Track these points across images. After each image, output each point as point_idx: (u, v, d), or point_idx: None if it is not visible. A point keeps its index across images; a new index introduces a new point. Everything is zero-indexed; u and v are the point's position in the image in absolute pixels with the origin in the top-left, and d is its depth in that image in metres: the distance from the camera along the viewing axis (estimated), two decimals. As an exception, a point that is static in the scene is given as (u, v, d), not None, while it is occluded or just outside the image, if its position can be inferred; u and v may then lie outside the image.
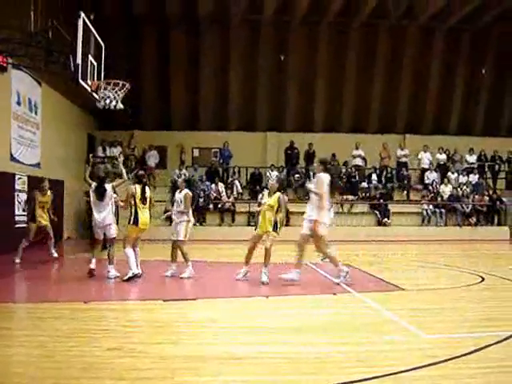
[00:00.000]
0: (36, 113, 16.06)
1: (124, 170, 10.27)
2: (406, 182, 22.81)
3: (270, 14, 20.94)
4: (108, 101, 11.34)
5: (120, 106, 11.55)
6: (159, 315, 6.52)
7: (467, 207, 21.29)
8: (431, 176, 22.59)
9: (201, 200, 20.17)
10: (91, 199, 9.56)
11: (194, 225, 10.80)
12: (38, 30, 11.39)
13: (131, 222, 9.24)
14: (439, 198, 21.62)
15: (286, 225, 9.51)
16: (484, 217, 21.41)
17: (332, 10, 20.73)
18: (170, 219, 9.93)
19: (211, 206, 20.63)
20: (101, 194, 9.40)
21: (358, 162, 23.17)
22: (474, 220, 21.06)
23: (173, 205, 10.13)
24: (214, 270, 11.01)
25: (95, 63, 11.42)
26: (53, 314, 6.30)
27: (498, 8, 20.13)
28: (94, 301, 7.32)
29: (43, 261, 11.88)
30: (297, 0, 20.23)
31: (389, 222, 20.79)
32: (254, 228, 9.44)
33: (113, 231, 9.59)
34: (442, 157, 23.42)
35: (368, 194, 21.96)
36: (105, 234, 9.63)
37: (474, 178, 22.68)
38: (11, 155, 14.38)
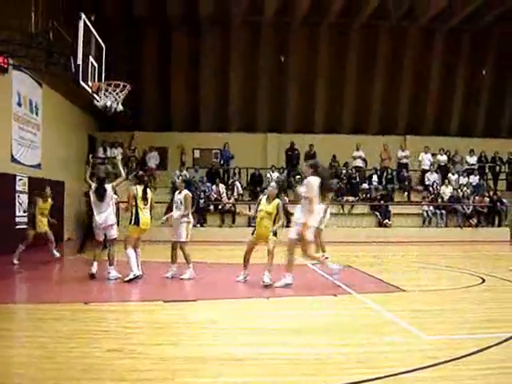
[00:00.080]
0: (37, 114, 16.08)
1: (122, 168, 10.28)
2: (406, 183, 22.80)
3: (270, 15, 20.96)
4: (109, 103, 11.35)
5: (120, 107, 11.55)
6: (159, 316, 6.52)
7: (468, 208, 21.29)
8: (432, 177, 22.60)
9: (201, 201, 20.18)
10: (91, 200, 9.55)
11: (195, 226, 10.80)
12: (38, 31, 11.44)
13: (132, 223, 9.25)
14: (440, 199, 21.61)
15: (287, 226, 9.46)
16: (485, 218, 21.39)
17: (332, 10, 20.75)
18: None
19: (212, 207, 20.63)
20: (101, 194, 9.38)
21: (359, 163, 23.17)
22: (474, 221, 21.05)
23: (171, 206, 10.11)
24: (214, 271, 11.01)
25: (96, 64, 11.44)
26: (53, 315, 6.30)
27: (500, 8, 20.13)
28: (94, 302, 7.31)
29: (43, 262, 11.88)
30: (297, 1, 20.26)
31: (389, 223, 20.78)
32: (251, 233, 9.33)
33: (114, 232, 9.58)
34: (443, 158, 23.42)
35: (368, 195, 21.96)
36: (105, 235, 9.63)
37: (474, 179, 22.68)
38: (12, 156, 14.40)
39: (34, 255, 11.96)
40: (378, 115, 23.92)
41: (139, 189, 9.36)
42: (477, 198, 21.74)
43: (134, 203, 9.23)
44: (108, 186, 9.50)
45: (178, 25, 21.65)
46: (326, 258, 11.73)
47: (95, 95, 11.43)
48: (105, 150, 21.22)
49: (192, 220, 9.98)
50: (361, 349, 4.97)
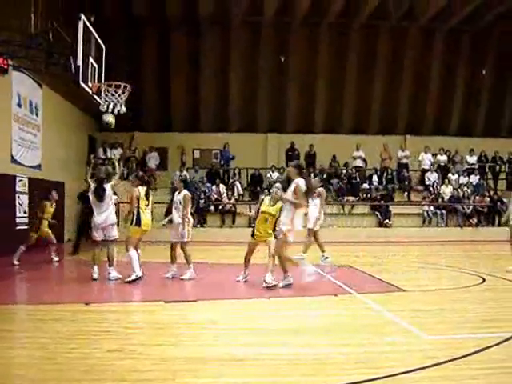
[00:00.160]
0: (37, 115, 16.08)
1: (118, 167, 10.29)
2: (406, 183, 22.80)
3: (270, 16, 20.97)
4: (112, 105, 11.36)
5: (123, 109, 11.56)
6: (160, 317, 6.52)
7: (468, 208, 21.29)
8: (432, 177, 22.60)
9: (201, 201, 20.19)
10: (91, 200, 9.52)
11: (195, 226, 10.78)
12: (38, 31, 11.42)
13: (134, 223, 9.24)
14: (440, 199, 21.61)
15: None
16: (485, 218, 21.40)
17: (332, 11, 20.76)
18: (170, 221, 9.90)
19: (212, 207, 20.63)
20: (100, 194, 9.34)
21: (359, 163, 23.18)
22: (474, 221, 21.05)
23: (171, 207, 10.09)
24: (214, 271, 11.01)
25: (96, 65, 11.43)
26: (54, 316, 6.30)
27: (500, 7, 20.14)
28: (94, 302, 7.32)
29: (44, 262, 11.87)
30: (297, 1, 20.26)
31: (390, 223, 20.77)
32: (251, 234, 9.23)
33: (114, 232, 9.55)
34: (443, 158, 23.42)
35: (369, 195, 21.95)
36: (105, 235, 9.58)
37: (474, 178, 22.68)
38: (12, 157, 14.39)
39: (34, 256, 11.95)
40: (378, 115, 23.92)
41: (142, 190, 9.36)
42: (477, 197, 21.74)
43: (136, 204, 9.22)
44: (107, 186, 9.48)
45: (178, 25, 21.66)
46: (327, 257, 11.78)
47: (96, 96, 11.43)
48: (105, 151, 21.22)
49: (192, 220, 9.96)
50: (361, 349, 4.97)
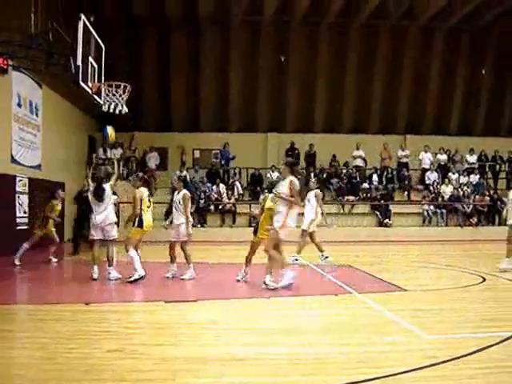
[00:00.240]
0: (37, 115, 16.08)
1: (117, 167, 10.28)
2: (406, 182, 22.81)
3: (270, 15, 20.97)
4: (113, 105, 11.37)
5: (125, 109, 11.57)
6: (160, 317, 6.52)
7: (468, 207, 21.29)
8: (432, 176, 22.61)
9: (202, 201, 20.20)
10: (90, 200, 9.51)
11: (195, 226, 10.77)
12: (38, 32, 11.42)
13: (136, 225, 9.21)
14: (440, 199, 21.62)
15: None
16: (485, 217, 21.40)
17: (332, 10, 20.76)
18: (171, 222, 9.90)
19: (212, 207, 20.65)
20: (99, 194, 9.34)
21: (359, 162, 23.19)
22: (474, 220, 21.06)
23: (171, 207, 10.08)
24: (215, 271, 11.02)
25: (95, 65, 11.44)
26: (54, 316, 6.31)
27: (499, 7, 20.14)
28: (95, 302, 7.32)
29: (44, 263, 11.88)
30: (297, 1, 20.26)
31: (390, 222, 20.78)
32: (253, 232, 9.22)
33: (114, 232, 9.55)
34: (443, 157, 23.42)
35: (369, 195, 21.96)
36: (104, 235, 9.52)
37: (474, 178, 22.69)
38: (12, 157, 14.40)
39: (35, 256, 11.94)
40: (378, 114, 23.92)
41: (144, 191, 9.35)
42: (477, 196, 21.75)
43: (140, 206, 9.19)
44: (107, 186, 9.47)
45: (178, 25, 21.65)
46: (326, 257, 11.77)
47: (96, 96, 11.44)
48: (105, 151, 21.20)
49: (191, 219, 9.93)
50: (361, 348, 4.97)
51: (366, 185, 22.25)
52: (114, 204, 10.36)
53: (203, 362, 4.59)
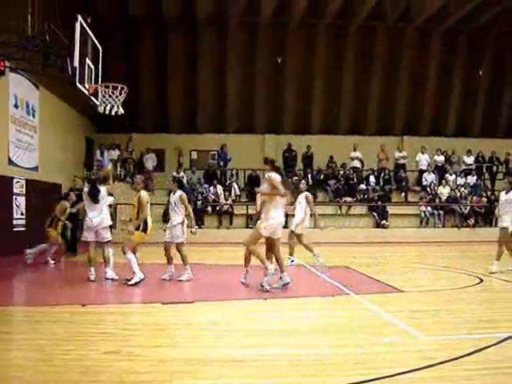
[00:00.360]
0: (34, 116, 16.05)
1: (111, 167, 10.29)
2: (403, 183, 22.85)
3: (267, 16, 20.99)
4: (109, 106, 11.36)
5: (121, 110, 11.56)
6: (158, 318, 6.51)
7: (465, 208, 21.34)
8: (429, 177, 22.65)
9: (199, 202, 20.19)
10: (84, 202, 9.47)
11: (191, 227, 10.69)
12: (35, 33, 11.42)
13: (140, 229, 9.09)
14: (437, 200, 21.66)
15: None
16: (482, 218, 21.44)
17: (329, 12, 20.80)
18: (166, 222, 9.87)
19: (209, 208, 20.64)
20: (94, 195, 9.28)
21: (356, 163, 23.22)
22: (472, 221, 21.10)
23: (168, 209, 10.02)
24: (212, 272, 11.01)
25: (92, 66, 11.43)
26: (51, 318, 6.29)
27: (496, 7, 20.21)
28: (92, 304, 7.31)
29: (41, 264, 11.85)
30: (294, 2, 20.29)
31: (387, 223, 20.81)
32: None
33: (108, 234, 9.52)
34: (440, 158, 23.47)
35: (366, 196, 21.99)
36: (97, 237, 9.45)
37: (471, 179, 22.74)
38: (9, 159, 14.37)
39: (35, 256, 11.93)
40: (375, 116, 23.96)
41: (147, 195, 9.28)
42: (474, 198, 21.80)
43: (148, 210, 9.13)
44: (102, 188, 9.42)
45: (175, 26, 21.65)
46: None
47: (93, 97, 11.43)
48: (102, 153, 21.17)
49: (186, 221, 9.87)
50: (359, 350, 4.97)
51: (363, 186, 22.28)
52: (110, 205, 10.31)
53: (201, 364, 4.58)
